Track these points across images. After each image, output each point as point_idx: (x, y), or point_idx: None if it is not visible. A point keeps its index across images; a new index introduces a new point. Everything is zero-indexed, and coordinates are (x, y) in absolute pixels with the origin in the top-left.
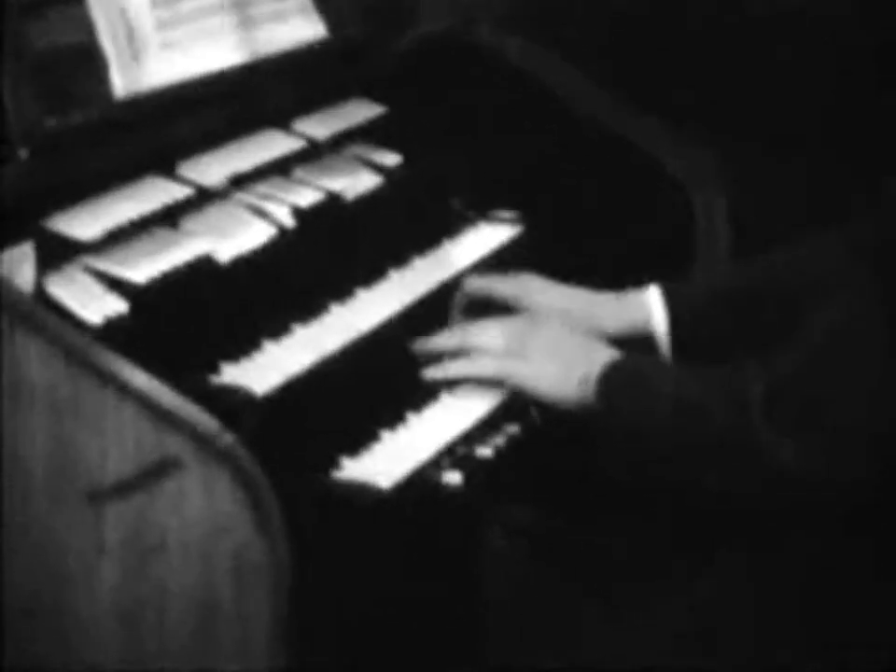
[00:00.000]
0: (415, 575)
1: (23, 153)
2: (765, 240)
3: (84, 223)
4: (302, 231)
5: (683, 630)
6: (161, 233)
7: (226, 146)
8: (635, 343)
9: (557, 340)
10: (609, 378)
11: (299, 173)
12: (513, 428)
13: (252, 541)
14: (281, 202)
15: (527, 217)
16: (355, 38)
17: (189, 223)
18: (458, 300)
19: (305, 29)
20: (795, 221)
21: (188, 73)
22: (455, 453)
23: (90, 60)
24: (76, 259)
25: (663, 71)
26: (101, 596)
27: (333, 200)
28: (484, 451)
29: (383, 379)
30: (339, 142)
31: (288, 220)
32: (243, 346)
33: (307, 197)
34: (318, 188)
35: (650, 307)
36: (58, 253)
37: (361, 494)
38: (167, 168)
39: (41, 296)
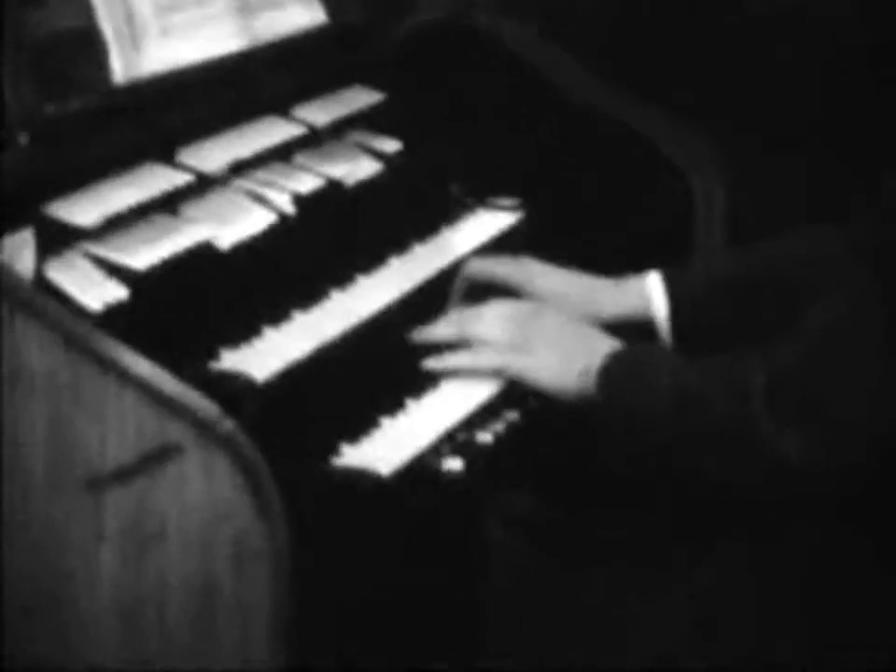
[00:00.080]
0: (415, 563)
1: (23, 139)
2: (764, 239)
3: (84, 209)
4: (302, 218)
5: (683, 620)
6: (161, 220)
7: (226, 132)
8: (634, 330)
9: (557, 330)
10: (610, 370)
11: (299, 159)
12: (513, 415)
13: (252, 527)
14: (281, 188)
15: (527, 203)
16: (354, 24)
17: (190, 210)
18: (458, 283)
19: (305, 15)
20: (794, 220)
21: (187, 59)
22: (455, 439)
23: (89, 45)
24: (76, 246)
25: (662, 69)
26: (100, 584)
27: (333, 186)
28: (484, 437)
29: (383, 365)
30: (339, 128)
31: (288, 207)
32: (243, 332)
33: (307, 183)
34: (318, 174)
35: (650, 293)
36: (58, 239)
37: (361, 480)
38: (167, 154)
39: (41, 282)
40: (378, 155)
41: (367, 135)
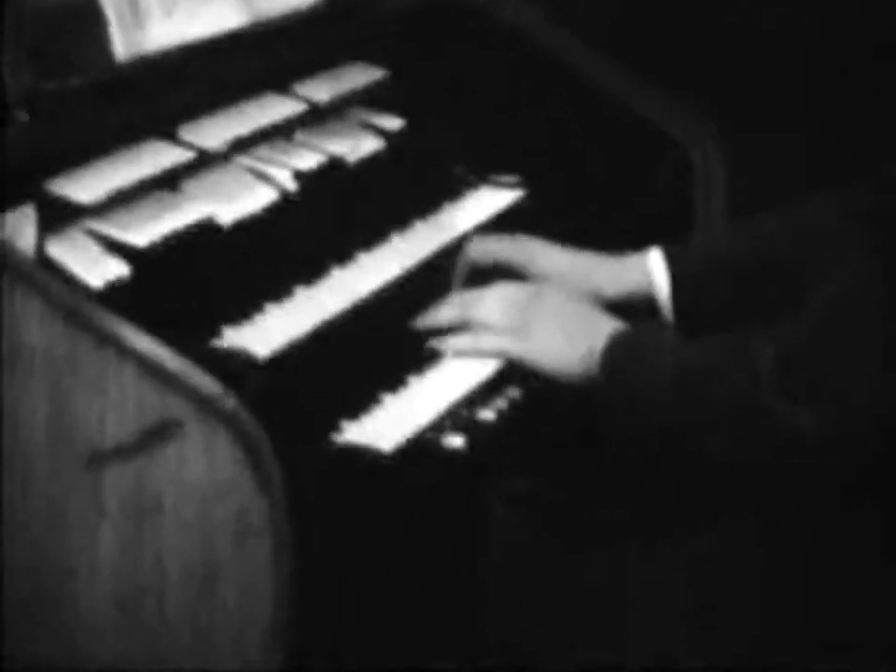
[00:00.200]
0: (416, 540)
1: (24, 116)
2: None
3: (85, 186)
4: (304, 195)
5: (686, 601)
6: (163, 197)
7: (227, 109)
8: (636, 308)
9: (559, 312)
10: (613, 351)
11: (300, 136)
12: (515, 392)
13: (253, 504)
14: (283, 165)
15: (529, 180)
16: (355, 0)
17: (191, 187)
18: (460, 267)
19: None
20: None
21: (188, 35)
22: (457, 416)
23: (90, 22)
24: (77, 223)
25: (662, 48)
26: (102, 559)
27: (335, 163)
28: (486, 414)
29: (384, 342)
30: (340, 105)
31: (290, 184)
32: (244, 309)
33: (309, 161)
34: (320, 151)
35: (651, 269)
36: (59, 216)
37: (362, 457)
38: (168, 131)
39: (42, 259)
40: (380, 132)
41: (369, 112)
